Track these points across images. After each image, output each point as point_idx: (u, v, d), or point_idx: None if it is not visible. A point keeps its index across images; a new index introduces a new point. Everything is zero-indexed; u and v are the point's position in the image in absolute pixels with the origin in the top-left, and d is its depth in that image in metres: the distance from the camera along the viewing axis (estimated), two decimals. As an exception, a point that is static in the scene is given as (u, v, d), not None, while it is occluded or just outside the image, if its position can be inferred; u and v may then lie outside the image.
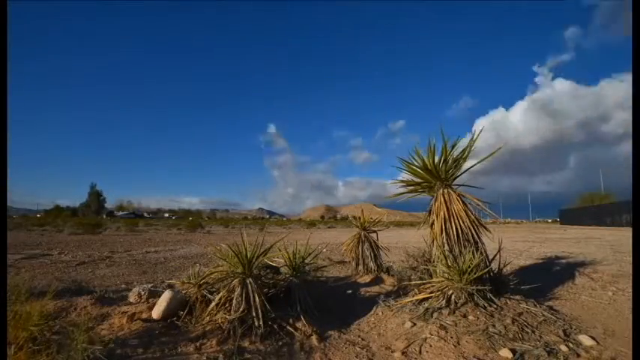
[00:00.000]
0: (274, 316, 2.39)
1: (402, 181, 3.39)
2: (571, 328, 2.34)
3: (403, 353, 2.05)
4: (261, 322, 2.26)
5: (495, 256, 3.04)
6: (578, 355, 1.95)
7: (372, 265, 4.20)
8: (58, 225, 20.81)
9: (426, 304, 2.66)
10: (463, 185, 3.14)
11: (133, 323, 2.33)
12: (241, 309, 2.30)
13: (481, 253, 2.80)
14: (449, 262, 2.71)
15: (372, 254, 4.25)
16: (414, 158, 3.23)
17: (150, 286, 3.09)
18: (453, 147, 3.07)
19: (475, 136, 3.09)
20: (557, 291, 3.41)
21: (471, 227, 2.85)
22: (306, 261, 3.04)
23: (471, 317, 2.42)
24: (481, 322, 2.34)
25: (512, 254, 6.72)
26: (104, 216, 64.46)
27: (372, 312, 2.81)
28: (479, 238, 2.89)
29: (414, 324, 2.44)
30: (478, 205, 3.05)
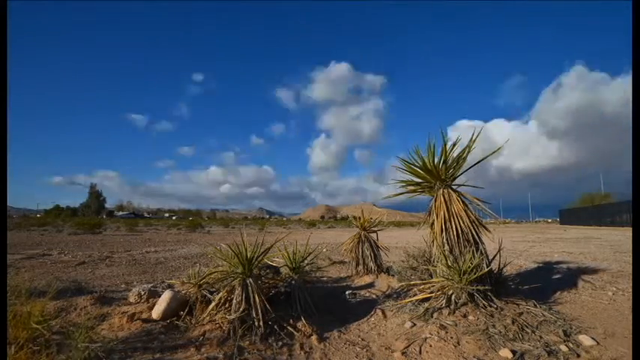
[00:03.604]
0: (274, 316, 2.39)
1: (402, 181, 3.39)
2: (571, 329, 2.34)
3: (403, 353, 2.05)
4: (261, 323, 2.26)
5: (495, 256, 3.04)
6: (579, 356, 1.95)
7: (372, 265, 4.20)
8: (58, 225, 20.81)
9: (426, 304, 2.66)
10: (463, 185, 3.14)
11: (133, 323, 2.33)
12: (241, 309, 2.30)
13: (481, 253, 2.79)
14: (449, 262, 2.71)
15: (372, 254, 4.25)
16: (414, 158, 3.23)
17: (150, 286, 3.09)
18: (452, 147, 3.06)
19: (475, 136, 3.08)
20: (557, 291, 3.41)
21: (471, 227, 2.84)
22: (306, 261, 3.04)
23: (471, 317, 2.42)
24: (481, 322, 2.34)
25: (513, 254, 6.72)
26: (104, 216, 64.45)
27: (372, 312, 2.81)
28: (479, 238, 2.89)
29: (414, 324, 2.44)
30: (478, 205, 3.05)
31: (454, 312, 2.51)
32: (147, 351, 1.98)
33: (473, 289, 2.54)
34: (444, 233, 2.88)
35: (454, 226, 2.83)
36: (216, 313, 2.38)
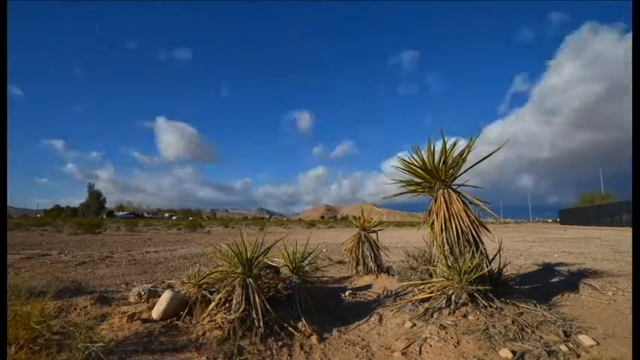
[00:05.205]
0: (274, 316, 2.39)
1: (402, 181, 3.39)
2: (571, 329, 2.34)
3: (403, 353, 2.05)
4: (261, 323, 2.26)
5: (495, 256, 3.04)
6: (579, 356, 1.95)
7: (372, 265, 4.20)
8: (58, 225, 20.82)
9: (426, 304, 2.66)
10: (463, 185, 3.14)
11: (132, 323, 2.33)
12: (241, 309, 2.30)
13: (481, 253, 2.80)
14: (449, 262, 2.71)
15: (372, 254, 4.25)
16: (414, 158, 3.23)
17: (150, 286, 3.09)
18: (452, 147, 3.06)
19: (475, 137, 3.09)
20: (556, 291, 3.41)
21: (471, 227, 2.85)
22: (306, 261, 3.04)
23: (471, 317, 2.42)
24: (481, 322, 2.34)
25: (513, 254, 6.72)
26: (104, 216, 64.46)
27: (372, 312, 2.81)
28: (479, 238, 2.89)
29: (414, 324, 2.44)
30: (478, 205, 3.05)
31: (454, 312, 2.51)
32: (147, 351, 1.98)
33: (473, 289, 2.54)
34: (444, 233, 2.88)
35: (454, 226, 2.83)
36: (216, 314, 2.38)
